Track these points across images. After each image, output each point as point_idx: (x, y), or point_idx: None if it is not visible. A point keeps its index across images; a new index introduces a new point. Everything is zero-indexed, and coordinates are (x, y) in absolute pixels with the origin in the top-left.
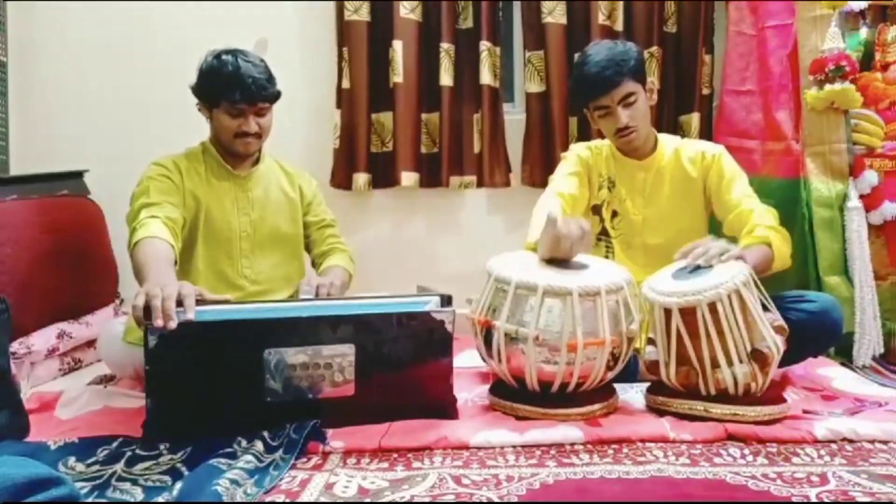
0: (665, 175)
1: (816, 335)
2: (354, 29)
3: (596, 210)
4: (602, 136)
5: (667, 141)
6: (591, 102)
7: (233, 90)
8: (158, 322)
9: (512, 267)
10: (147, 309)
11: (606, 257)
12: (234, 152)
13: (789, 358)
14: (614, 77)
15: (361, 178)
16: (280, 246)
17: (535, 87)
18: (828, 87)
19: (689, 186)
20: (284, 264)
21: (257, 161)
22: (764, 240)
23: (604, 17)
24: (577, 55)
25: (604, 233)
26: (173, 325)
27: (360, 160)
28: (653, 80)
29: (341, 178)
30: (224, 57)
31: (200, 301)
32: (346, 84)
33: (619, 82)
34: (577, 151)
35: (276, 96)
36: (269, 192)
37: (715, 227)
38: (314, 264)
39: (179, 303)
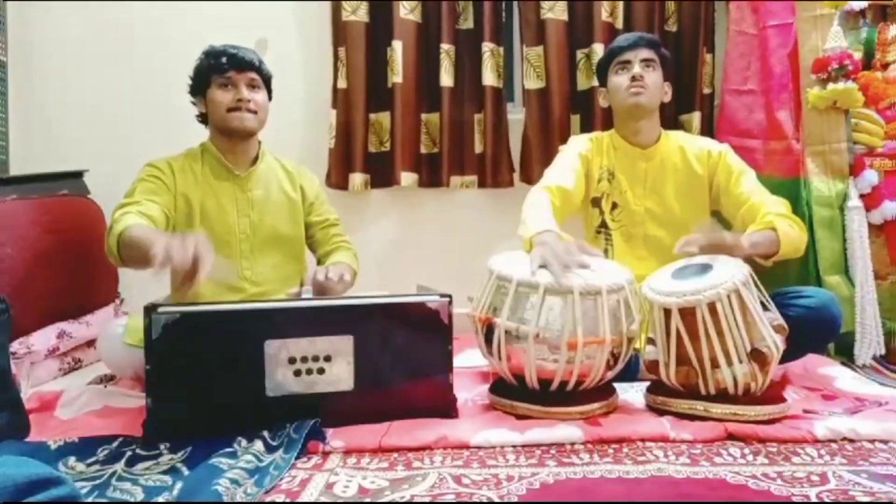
0: (667, 167)
1: (815, 331)
2: (352, 29)
3: (595, 202)
4: (604, 129)
5: (671, 135)
6: (616, 58)
7: (219, 59)
8: (185, 257)
9: (513, 265)
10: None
11: (606, 250)
12: (230, 130)
13: (789, 354)
14: (644, 38)
15: (358, 178)
16: (280, 247)
17: (534, 83)
18: (831, 86)
19: (694, 182)
20: (285, 265)
21: (256, 160)
22: (769, 224)
23: (606, 15)
24: (579, 52)
25: (603, 225)
26: (209, 260)
27: (357, 160)
28: (668, 84)
29: (337, 178)
30: (212, 46)
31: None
32: (341, 84)
33: (646, 43)
34: (577, 144)
35: (267, 71)
36: (270, 193)
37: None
38: (319, 264)
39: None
